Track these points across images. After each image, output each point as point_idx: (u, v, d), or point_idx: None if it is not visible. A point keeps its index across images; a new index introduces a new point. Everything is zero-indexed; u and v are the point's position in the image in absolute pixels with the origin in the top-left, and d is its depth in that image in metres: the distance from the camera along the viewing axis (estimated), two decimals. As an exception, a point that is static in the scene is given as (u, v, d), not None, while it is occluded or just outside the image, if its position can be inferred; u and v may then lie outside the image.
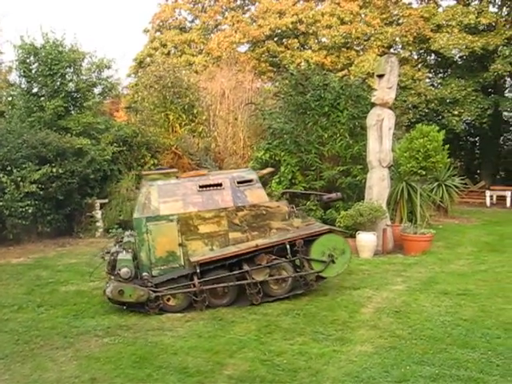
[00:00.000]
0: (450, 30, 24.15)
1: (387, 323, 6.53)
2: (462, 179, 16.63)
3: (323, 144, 12.83)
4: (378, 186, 11.25)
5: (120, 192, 14.22)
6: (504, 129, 28.32)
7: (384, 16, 26.02)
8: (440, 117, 23.79)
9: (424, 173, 10.87)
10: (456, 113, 22.98)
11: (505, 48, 22.50)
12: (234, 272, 7.20)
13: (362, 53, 24.90)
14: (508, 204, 20.96)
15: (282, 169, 12.92)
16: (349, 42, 25.05)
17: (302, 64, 21.21)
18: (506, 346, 5.63)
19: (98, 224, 13.96)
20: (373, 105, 11.52)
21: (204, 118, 17.61)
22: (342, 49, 25.09)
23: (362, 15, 25.85)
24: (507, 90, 25.62)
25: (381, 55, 18.68)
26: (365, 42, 25.24)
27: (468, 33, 23.90)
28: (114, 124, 16.00)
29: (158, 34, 29.28)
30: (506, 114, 26.49)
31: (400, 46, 26.32)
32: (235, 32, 25.66)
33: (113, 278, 7.15)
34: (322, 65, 23.30)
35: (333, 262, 7.42)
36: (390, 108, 11.46)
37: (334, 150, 12.68)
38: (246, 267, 7.21)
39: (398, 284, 8.48)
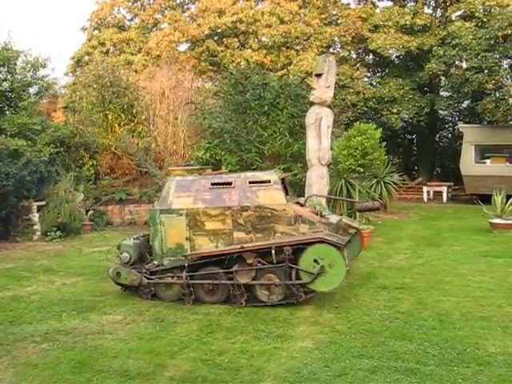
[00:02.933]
0: (386, 30, 24.68)
1: (327, 319, 6.61)
2: (400, 176, 17.01)
3: (263, 143, 12.89)
4: (317, 184, 11.37)
5: (58, 194, 13.88)
6: (440, 126, 29.14)
7: (323, 16, 26.32)
8: (379, 115, 24.27)
9: (362, 170, 11.06)
10: (394, 111, 23.49)
11: (439, 48, 23.13)
12: (220, 271, 7.21)
13: (301, 52, 25.12)
14: (444, 199, 21.59)
15: (223, 168, 12.91)
16: (288, 42, 25.22)
17: (242, 63, 21.24)
18: (441, 337, 5.78)
19: (35, 227, 13.59)
20: (312, 104, 11.63)
21: (143, 117, 17.39)
22: (282, 48, 25.24)
23: (302, 15, 26.08)
24: (442, 89, 26.31)
25: (320, 55, 18.89)
26: (304, 42, 25.49)
27: (404, 33, 24.48)
28: (50, 124, 15.63)
29: (97, 32, 28.76)
30: (441, 112, 27.23)
31: (339, 46, 26.72)
32: (174, 31, 25.44)
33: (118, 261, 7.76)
34: (262, 64, 23.38)
35: (323, 274, 6.79)
36: (328, 106, 11.60)
37: (274, 148, 12.76)
38: (234, 268, 7.16)
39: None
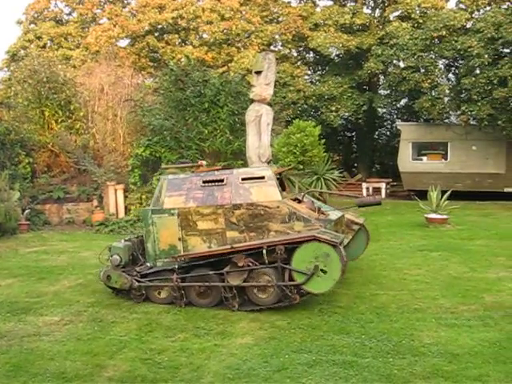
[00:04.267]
0: (326, 29, 25.00)
1: (267, 315, 6.64)
2: (340, 172, 17.24)
3: (204, 140, 12.85)
4: (258, 181, 11.38)
5: (-8, 193, 13.46)
6: (378, 124, 29.73)
7: (264, 14, 26.43)
8: (319, 112, 24.58)
9: (302, 167, 11.14)
10: (334, 109, 23.82)
11: (377, 47, 23.59)
12: (210, 272, 6.94)
13: (242, 49, 25.14)
14: (383, 195, 22.03)
15: (163, 166, 12.80)
16: (229, 39, 25.22)
17: (183, 60, 21.12)
18: (378, 330, 5.90)
19: (-32, 227, 13.14)
20: (252, 101, 11.65)
21: (82, 114, 17.05)
22: (223, 45, 25.21)
23: (243, 12, 26.10)
24: (380, 88, 26.86)
25: (261, 52, 18.95)
26: (245, 39, 25.52)
27: (344, 32, 24.86)
28: (-17, 121, 15.15)
29: (33, 25, 28.00)
30: (379, 109, 27.79)
31: (280, 44, 26.86)
32: (114, 26, 25.06)
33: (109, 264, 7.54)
34: (203, 61, 23.30)
35: (317, 275, 6.38)
36: (268, 104, 11.63)
37: (214, 145, 12.74)
38: (225, 270, 6.87)
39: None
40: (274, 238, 6.77)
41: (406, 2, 24.91)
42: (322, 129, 11.53)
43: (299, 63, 27.06)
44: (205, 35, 25.86)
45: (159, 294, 7.34)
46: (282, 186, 7.52)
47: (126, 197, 14.25)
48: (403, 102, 26.71)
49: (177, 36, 26.23)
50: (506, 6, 22.66)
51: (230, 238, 7.04)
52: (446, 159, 22.73)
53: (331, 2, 27.54)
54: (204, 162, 8.68)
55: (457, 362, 4.90)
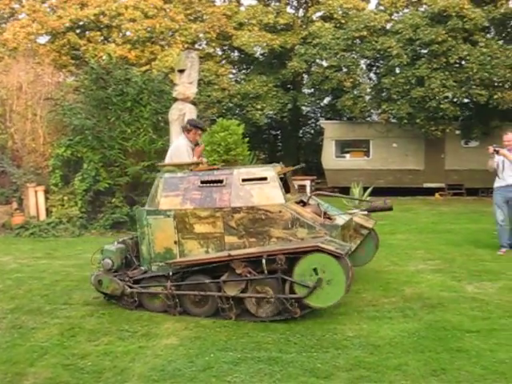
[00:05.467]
0: (251, 28, 25.14)
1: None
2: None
3: (127, 139, 12.66)
4: (182, 180, 11.33)
5: None
6: (303, 122, 30.20)
7: (188, 12, 26.31)
8: (244, 111, 24.68)
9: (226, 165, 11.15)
10: (259, 107, 24.00)
11: (301, 47, 23.93)
12: (206, 281, 6.46)
13: (166, 48, 24.92)
14: (308, 192, 22.36)
15: (85, 165, 12.53)
16: (153, 37, 24.93)
17: (105, 58, 20.72)
18: (302, 325, 5.96)
19: None
20: (175, 100, 11.59)
21: (-1, 113, 16.43)
22: (147, 43, 24.90)
23: (167, 10, 25.88)
24: (304, 86, 27.25)
25: (185, 50, 18.84)
26: (169, 37, 25.33)
27: (268, 31, 25.09)
28: None
29: None
30: (304, 108, 28.21)
31: (204, 42, 26.81)
32: (33, 22, 24.29)
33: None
34: (127, 59, 22.93)
35: (320, 288, 5.85)
36: (192, 103, 11.62)
37: (137, 145, 12.57)
38: (222, 278, 6.40)
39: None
40: (274, 247, 6.29)
41: (328, 2, 25.40)
42: (247, 127, 11.59)
43: (224, 62, 27.13)
44: (128, 33, 25.45)
45: (154, 300, 6.84)
46: (287, 187, 7.05)
47: (47, 198, 13.83)
48: (326, 100, 27.26)
49: (99, 33, 25.69)
50: (423, 9, 23.45)
51: (228, 243, 6.56)
52: (368, 156, 23.34)
53: (255, 2, 27.73)
54: (205, 159, 8.00)
55: (378, 353, 5.03)
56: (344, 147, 23.97)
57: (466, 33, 21.63)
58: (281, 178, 6.79)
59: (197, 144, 7.84)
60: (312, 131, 31.25)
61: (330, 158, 22.77)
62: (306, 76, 26.99)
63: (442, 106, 20.80)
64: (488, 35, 23.58)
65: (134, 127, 12.66)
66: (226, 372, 4.88)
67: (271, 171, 6.63)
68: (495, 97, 21.04)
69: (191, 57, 11.42)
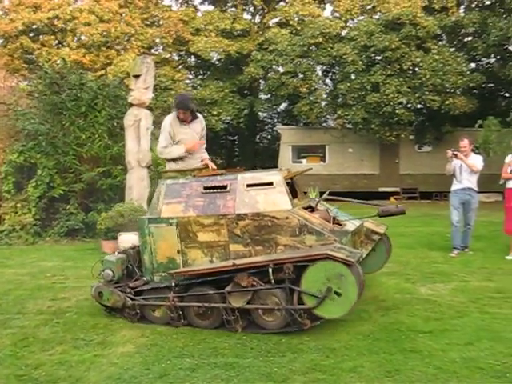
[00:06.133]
0: (207, 33, 25.20)
1: (149, 321, 6.54)
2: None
3: (81, 145, 12.48)
4: (138, 187, 11.26)
5: None
6: (260, 128, 30.35)
7: (144, 16, 26.23)
8: (201, 117, 24.63)
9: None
10: (215, 113, 24.06)
11: (257, 53, 24.08)
12: (210, 292, 6.12)
13: (122, 52, 24.74)
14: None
15: (39, 172, 12.29)
16: (108, 41, 24.74)
17: (59, 62, 20.42)
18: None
19: None
20: (130, 105, 11.50)
21: None
22: (102, 48, 24.68)
23: (123, 14, 25.70)
24: (261, 92, 27.40)
25: (141, 55, 18.74)
26: (125, 42, 25.17)
27: (224, 37, 25.18)
28: None
29: None
30: (260, 114, 28.34)
31: (160, 47, 26.73)
32: (-16, 26, 23.83)
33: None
34: (81, 64, 22.67)
35: (330, 298, 5.51)
36: (148, 108, 11.56)
37: (92, 151, 12.40)
38: (227, 289, 6.05)
39: (160, 282, 8.58)
40: (281, 255, 5.93)
41: (284, 9, 25.65)
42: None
43: (180, 67, 27.08)
44: (83, 37, 25.18)
45: (156, 312, 6.52)
46: (294, 193, 6.75)
47: (-1, 206, 13.55)
48: (283, 106, 27.47)
49: (53, 37, 25.37)
50: (377, 16, 23.89)
51: (233, 251, 6.22)
52: (324, 161, 23.61)
53: (212, 7, 27.78)
54: (213, 164, 7.58)
55: (333, 356, 5.07)
56: (300, 152, 24.18)
57: (418, 40, 22.17)
58: (287, 183, 6.47)
59: (191, 120, 7.34)
60: (269, 136, 31.42)
61: (286, 163, 22.90)
62: (262, 82, 27.17)
63: (396, 111, 21.23)
64: (440, 43, 24.22)
65: (89, 133, 12.48)
66: (183, 379, 4.85)
67: (277, 176, 6.30)
68: (447, 102, 21.60)
69: (147, 62, 11.36)
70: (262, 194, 6.15)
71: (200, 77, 28.80)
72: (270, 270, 5.69)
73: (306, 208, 6.52)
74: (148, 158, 11.29)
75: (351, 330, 5.66)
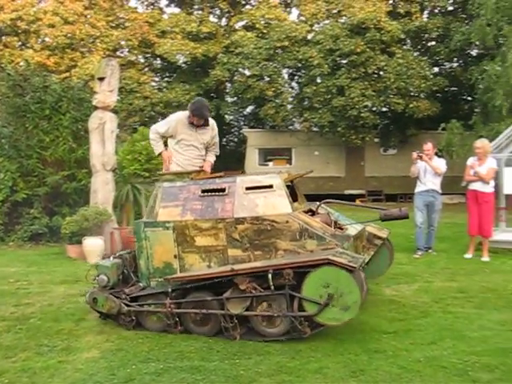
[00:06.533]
0: (174, 36, 25.12)
1: (114, 326, 6.45)
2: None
3: (45, 148, 12.32)
4: (102, 190, 11.15)
5: None
6: (226, 131, 30.31)
7: (110, 18, 26.04)
8: (167, 120, 24.57)
9: (147, 174, 11.08)
10: (181, 116, 23.93)
11: (223, 55, 24.12)
12: (207, 298, 5.94)
13: (87, 55, 24.50)
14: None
15: (2, 175, 12.09)
16: (73, 43, 24.48)
17: (22, 64, 20.13)
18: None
19: None
20: (95, 108, 11.40)
21: None
22: (66, 50, 24.41)
23: (88, 16, 25.46)
24: (227, 95, 27.43)
25: (106, 58, 18.60)
26: (90, 44, 24.93)
27: (191, 40, 25.13)
28: None
29: None
30: (227, 116, 28.34)
31: (126, 50, 26.54)
32: None
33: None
34: (45, 66, 22.38)
35: (332, 304, 5.32)
36: (113, 111, 11.47)
37: (57, 154, 12.25)
38: (225, 295, 5.87)
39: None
40: (281, 260, 5.77)
41: (250, 12, 25.75)
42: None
43: (146, 70, 26.92)
44: (47, 39, 24.86)
45: (152, 319, 6.31)
46: (294, 196, 6.58)
47: (-40, 210, 13.28)
48: (249, 109, 27.52)
49: (16, 38, 24.99)
50: (343, 20, 24.12)
51: (232, 256, 6.03)
52: (290, 164, 23.72)
53: (178, 10, 27.70)
54: (208, 169, 7.31)
55: (299, 358, 5.10)
56: (267, 155, 24.27)
57: (383, 44, 22.47)
58: (287, 186, 6.34)
59: (199, 126, 7.08)
60: (235, 139, 31.45)
61: (253, 166, 22.98)
62: (228, 85, 27.19)
63: (361, 114, 21.47)
64: (404, 47, 24.58)
65: (53, 136, 12.33)
66: (148, 383, 4.83)
67: (277, 178, 6.16)
68: (411, 106, 21.93)
69: (111, 64, 11.27)
70: (261, 197, 6.02)
71: (166, 79, 28.67)
72: (270, 276, 5.53)
73: (306, 212, 6.38)
74: (113, 161, 11.20)
75: (316, 332, 5.69)
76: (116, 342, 5.88)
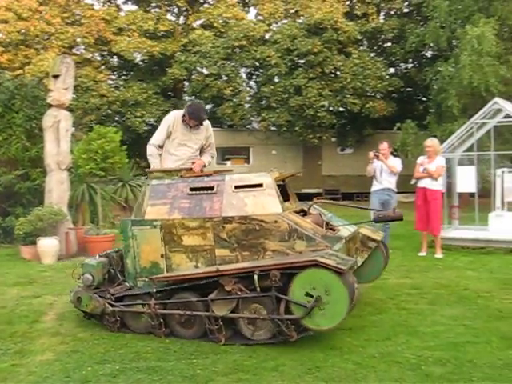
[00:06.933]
0: (130, 33, 24.88)
1: (69, 328, 6.38)
2: (146, 178, 17.15)
3: (-2, 147, 12.09)
4: (57, 190, 11.00)
5: None
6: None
7: (65, 15, 25.60)
8: (124, 118, 24.35)
9: (103, 174, 10.97)
10: (138, 114, 23.81)
11: (181, 54, 24.02)
12: (192, 299, 5.77)
13: (42, 52, 24.05)
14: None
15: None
16: (27, 40, 24.00)
17: (-27, 61, 19.74)
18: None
19: None
20: (50, 106, 11.23)
21: None
22: (20, 46, 23.92)
23: (42, 12, 24.99)
24: (185, 94, 27.31)
25: (61, 55, 18.31)
26: (45, 41, 24.47)
27: (148, 38, 24.92)
28: None
29: None
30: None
31: (82, 47, 26.15)
32: None
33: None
34: (-2, 63, 21.92)
35: (319, 308, 5.11)
36: (68, 109, 11.33)
37: (10, 153, 12.00)
38: (210, 297, 5.69)
39: (76, 287, 8.40)
40: (268, 261, 5.62)
41: (208, 11, 25.68)
42: (126, 135, 11.45)
43: (103, 68, 26.57)
44: (0, 35, 24.31)
45: (137, 320, 6.14)
46: (286, 196, 6.44)
47: None
48: (207, 108, 27.39)
49: (-33, 35, 24.36)
50: (300, 20, 24.29)
51: (219, 256, 5.87)
52: (248, 163, 23.77)
53: (135, 7, 27.43)
54: (197, 168, 6.96)
55: (256, 356, 5.13)
56: (225, 154, 24.26)
57: (340, 45, 22.73)
58: (279, 185, 6.20)
59: (196, 125, 6.93)
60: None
61: (211, 165, 22.87)
62: (186, 83, 27.07)
63: (318, 114, 21.67)
64: (361, 47, 24.91)
65: (6, 134, 12.07)
66: (104, 385, 4.79)
67: (267, 177, 5.99)
68: (367, 106, 22.24)
69: (66, 62, 11.12)
70: (250, 196, 5.87)
71: (123, 77, 28.29)
72: (256, 277, 5.38)
73: (298, 212, 6.23)
74: (68, 160, 11.06)
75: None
76: (71, 344, 5.82)
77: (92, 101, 23.09)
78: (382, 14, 26.73)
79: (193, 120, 6.84)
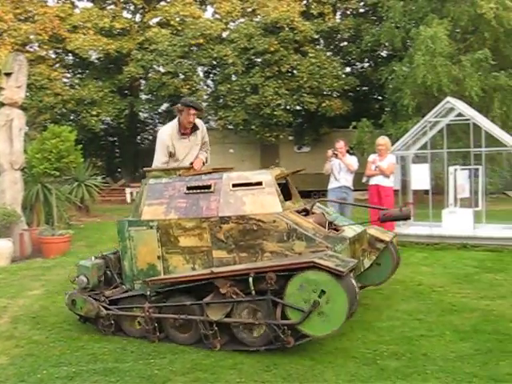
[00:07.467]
0: (86, 31, 24.56)
1: (24, 331, 6.28)
2: (103, 178, 17.03)
3: None
4: (11, 190, 10.81)
5: None
6: (141, 128, 29.99)
7: (18, 11, 25.05)
8: (79, 117, 24.04)
9: (58, 173, 10.82)
10: (94, 113, 23.53)
11: (137, 52, 23.85)
12: (187, 303, 5.53)
13: (-6, 48, 23.51)
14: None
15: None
16: (-22, 37, 23.44)
17: None
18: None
19: None
20: (2, 104, 11.03)
21: None
22: (-29, 43, 23.34)
23: (-5, 9, 24.43)
24: (142, 92, 27.11)
25: (14, 52, 17.94)
26: (-3, 38, 23.93)
27: (104, 35, 24.62)
28: None
29: None
30: (141, 114, 28.03)
31: (36, 44, 25.66)
32: None
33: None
34: None
35: (317, 312, 4.84)
36: (21, 108, 11.14)
37: (-40, 152, 11.73)
38: (205, 300, 5.47)
39: (36, 289, 8.23)
40: (264, 263, 5.37)
41: (165, 9, 25.53)
42: (82, 134, 11.32)
43: (57, 65, 26.13)
44: None
45: (132, 324, 5.96)
46: (288, 194, 6.25)
47: None
48: (164, 106, 27.28)
49: None
50: (257, 19, 24.35)
51: (216, 258, 5.63)
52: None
53: (91, 4, 27.07)
54: (198, 166, 6.83)
55: (214, 355, 5.14)
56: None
57: (296, 44, 22.88)
58: (280, 184, 6.02)
59: (193, 127, 6.76)
60: (150, 137, 31.12)
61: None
62: (143, 82, 26.88)
63: (275, 112, 21.78)
64: (317, 47, 25.11)
65: (-44, 133, 11.80)
66: (60, 388, 4.73)
67: (267, 175, 5.75)
68: (324, 105, 22.46)
69: (19, 59, 10.94)
70: (249, 194, 5.63)
71: (78, 76, 27.89)
72: (251, 280, 5.15)
73: (300, 211, 5.97)
74: (21, 159, 10.88)
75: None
76: (26, 347, 5.74)
77: (46, 99, 22.70)
78: (338, 13, 27.01)
79: (193, 109, 6.63)
